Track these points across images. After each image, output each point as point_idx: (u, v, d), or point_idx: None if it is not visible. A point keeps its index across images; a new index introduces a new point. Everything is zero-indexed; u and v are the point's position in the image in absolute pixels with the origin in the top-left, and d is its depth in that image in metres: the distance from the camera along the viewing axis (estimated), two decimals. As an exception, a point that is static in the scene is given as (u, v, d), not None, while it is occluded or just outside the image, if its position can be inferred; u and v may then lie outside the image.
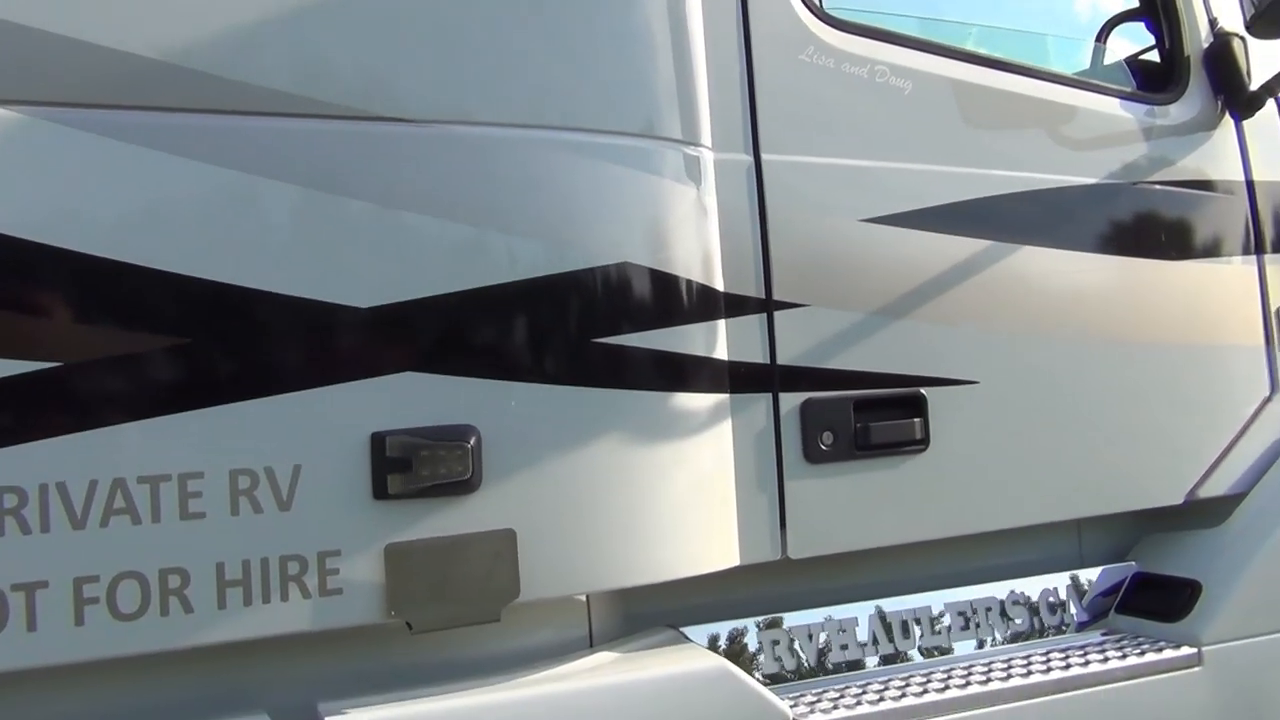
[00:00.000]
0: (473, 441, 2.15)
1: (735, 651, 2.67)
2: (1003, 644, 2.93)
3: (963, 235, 2.82)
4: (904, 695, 2.57)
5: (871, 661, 2.78)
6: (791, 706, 2.49)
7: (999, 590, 2.98)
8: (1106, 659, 2.79)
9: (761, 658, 2.68)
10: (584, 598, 2.54)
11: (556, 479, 2.25)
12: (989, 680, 2.65)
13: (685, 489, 2.41)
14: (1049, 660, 2.80)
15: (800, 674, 2.71)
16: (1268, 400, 3.26)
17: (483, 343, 2.22)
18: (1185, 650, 2.84)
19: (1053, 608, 3.02)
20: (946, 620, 2.88)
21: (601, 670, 2.35)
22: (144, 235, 1.98)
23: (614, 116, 2.41)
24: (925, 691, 2.59)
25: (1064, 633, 3.01)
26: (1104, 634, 3.04)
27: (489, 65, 2.28)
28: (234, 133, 2.04)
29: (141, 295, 1.98)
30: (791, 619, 2.73)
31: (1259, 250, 3.30)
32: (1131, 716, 2.76)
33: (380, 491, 2.10)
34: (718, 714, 2.33)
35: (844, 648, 2.76)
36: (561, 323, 2.29)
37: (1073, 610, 3.05)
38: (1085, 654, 2.84)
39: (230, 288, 2.02)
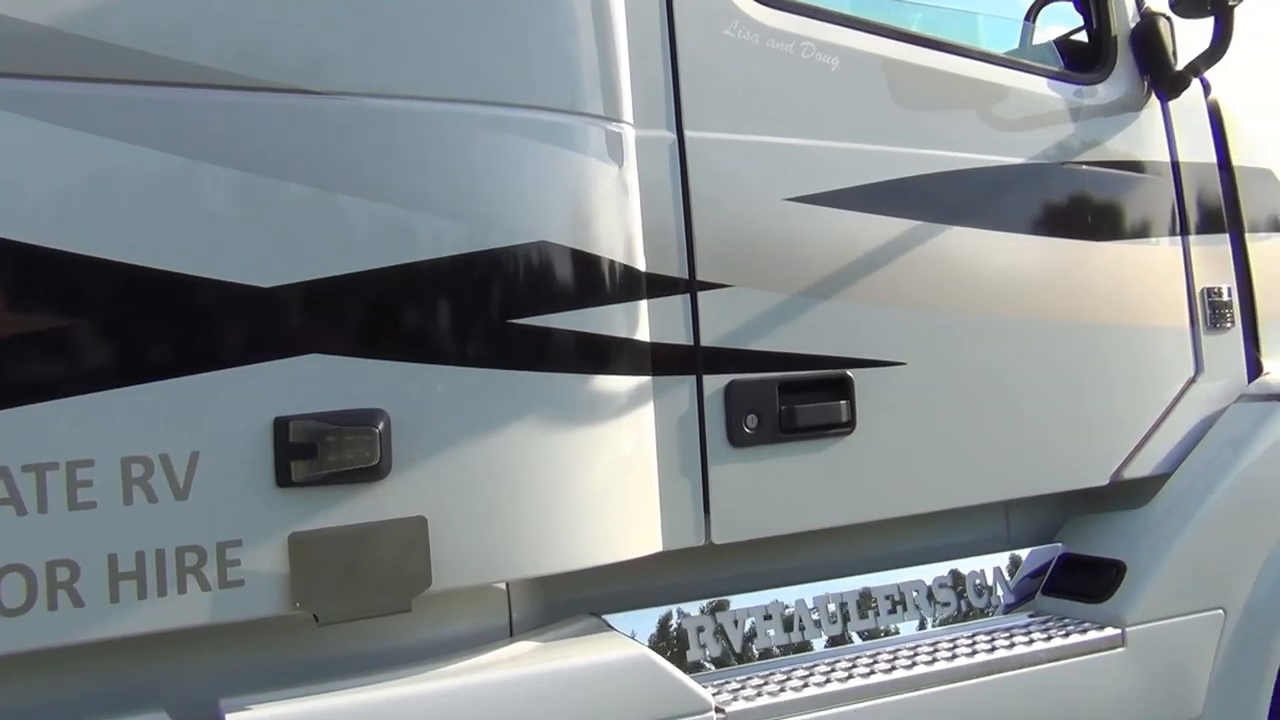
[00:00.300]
0: (381, 426, 2.07)
1: (660, 639, 2.62)
2: (931, 627, 2.91)
3: (889, 215, 2.78)
4: (829, 680, 2.54)
5: (797, 647, 2.74)
6: (715, 694, 2.45)
7: (927, 573, 2.95)
8: (1031, 641, 2.78)
9: (687, 645, 2.64)
10: (504, 586, 2.47)
11: (470, 464, 2.18)
12: (914, 664, 2.63)
13: (605, 474, 2.35)
14: (974, 643, 2.78)
15: (725, 660, 2.67)
16: (1192, 381, 3.27)
17: (393, 324, 2.14)
18: (1109, 631, 2.84)
19: (980, 590, 3.01)
20: (874, 604, 2.85)
21: (520, 660, 2.29)
22: (23, 210, 1.87)
23: (532, 91, 2.34)
24: (850, 677, 2.56)
25: (992, 615, 3.00)
26: (1030, 616, 3.03)
27: (399, 35, 2.19)
28: (118, 102, 1.94)
29: (24, 273, 1.87)
30: (716, 605, 2.69)
31: (1184, 232, 3.31)
32: (1056, 698, 2.75)
33: (283, 479, 2.01)
34: (638, 703, 2.28)
35: (770, 633, 2.73)
36: (476, 303, 2.22)
37: (1000, 592, 3.04)
38: (1010, 636, 2.83)
39: (121, 265, 1.92)
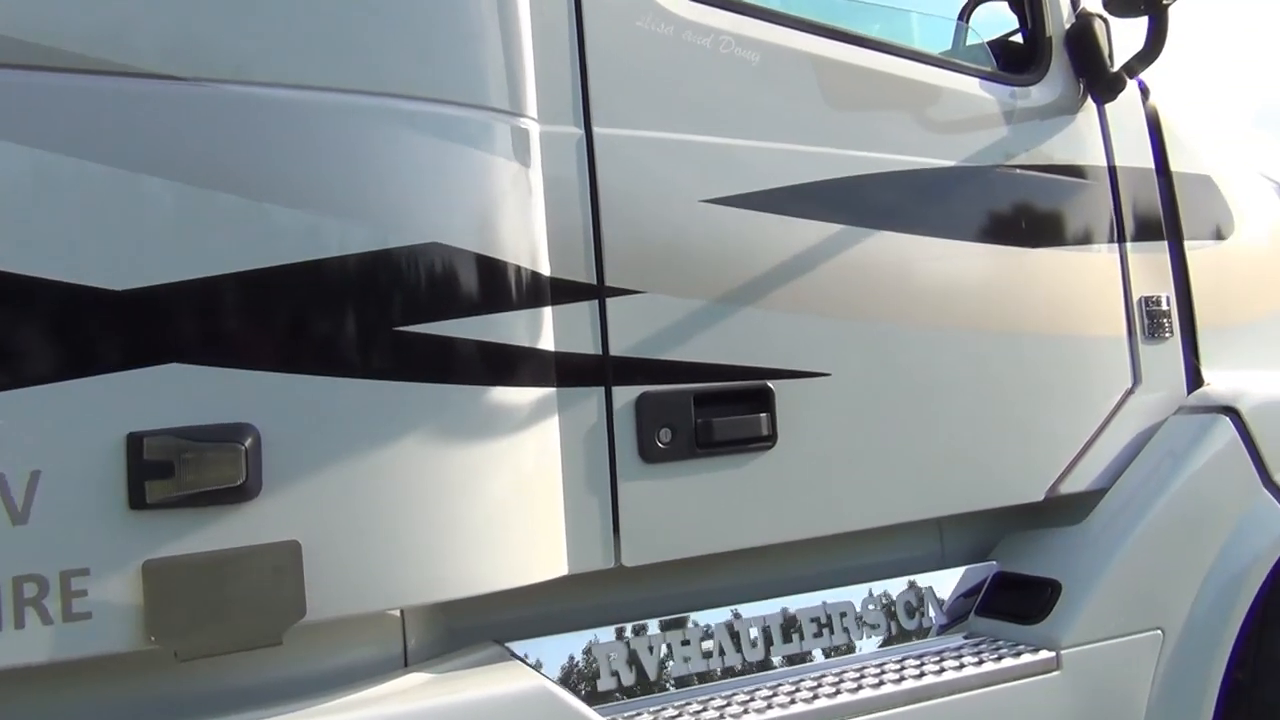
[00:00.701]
0: (249, 442, 1.90)
1: (569, 667, 2.46)
2: (860, 651, 2.77)
3: (813, 219, 2.65)
4: (746, 711, 2.39)
5: (716, 674, 2.59)
6: (624, 727, 2.29)
7: (855, 594, 2.81)
8: (962, 665, 2.65)
9: (598, 673, 2.47)
10: (398, 612, 2.30)
11: (351, 484, 2.01)
12: (839, 692, 2.49)
13: (503, 493, 2.19)
14: (903, 668, 2.65)
15: (640, 689, 2.51)
16: (1130, 392, 3.16)
17: (265, 331, 1.97)
18: (1043, 654, 2.71)
19: (911, 611, 2.87)
20: (799, 627, 2.70)
21: (409, 694, 2.12)
22: None
23: (426, 82, 2.18)
24: (769, 706, 2.41)
25: (924, 636, 2.87)
26: (964, 638, 2.90)
27: (279, 17, 2.03)
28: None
29: None
30: (631, 630, 2.53)
31: (1121, 239, 3.21)
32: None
33: (137, 501, 1.83)
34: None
35: (687, 660, 2.57)
36: (360, 309, 2.06)
37: (932, 613, 2.91)
38: (941, 660, 2.70)
39: (-49, 266, 1.74)
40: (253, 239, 1.96)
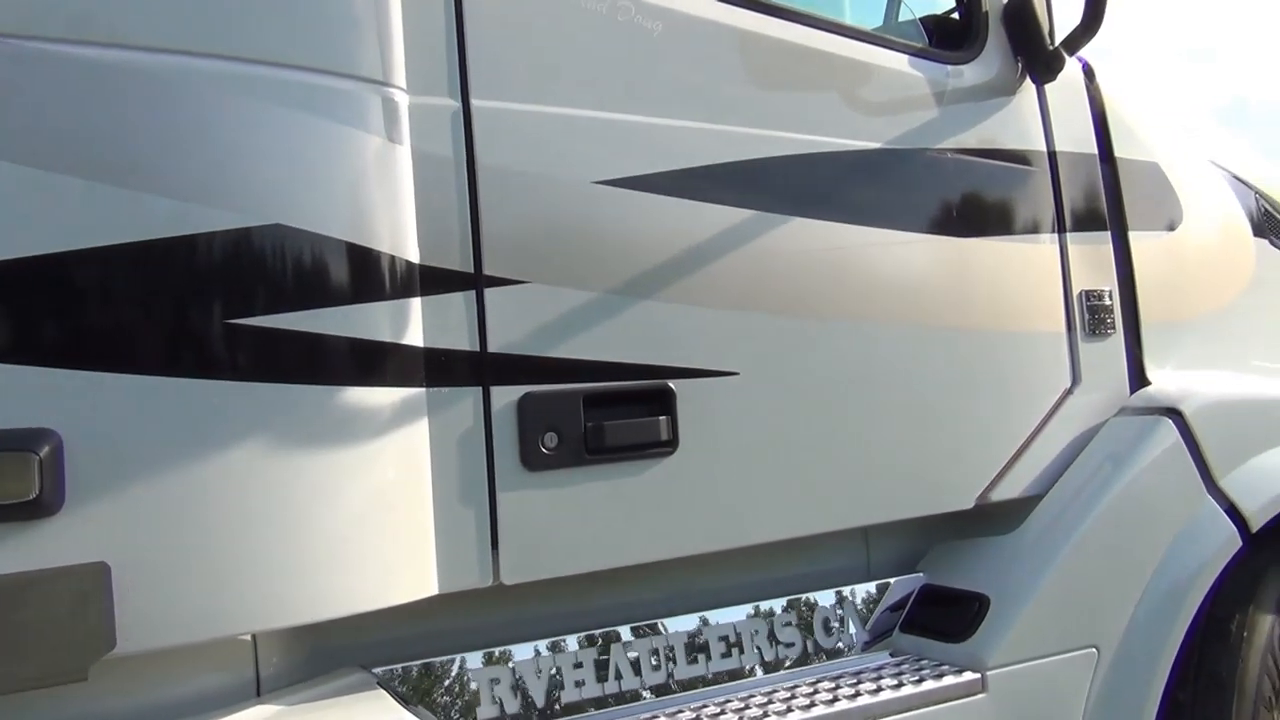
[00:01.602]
0: (45, 451, 1.66)
1: (444, 695, 2.23)
2: (772, 673, 2.56)
3: (721, 204, 2.43)
4: (637, 744, 2.17)
5: (610, 700, 2.37)
6: (496, 762, 2.07)
7: (769, 609, 2.60)
8: (879, 689, 2.45)
9: (478, 701, 2.25)
10: (249, 637, 2.07)
11: (172, 497, 1.78)
12: (741, 718, 2.27)
13: (358, 506, 1.96)
14: (816, 691, 2.44)
15: (524, 717, 2.29)
16: (1069, 393, 2.98)
17: (68, 323, 1.73)
18: (967, 676, 2.52)
19: (830, 627, 2.67)
20: (705, 646, 2.49)
21: (250, 731, 1.89)
22: None
23: (273, 44, 1.94)
24: (664, 737, 2.19)
25: (844, 655, 2.66)
26: (889, 656, 2.70)
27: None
28: None
29: None
30: (517, 653, 2.31)
31: (1061, 229, 3.01)
32: (906, 753, 2.41)
33: (-91, 518, 1.59)
34: (390, 781, 1.89)
35: (579, 684, 2.35)
36: (183, 298, 1.82)
37: (853, 629, 2.70)
38: (859, 682, 2.50)
39: None
40: (61, 218, 1.72)
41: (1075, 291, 3.01)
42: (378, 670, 2.19)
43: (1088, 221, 3.07)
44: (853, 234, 2.62)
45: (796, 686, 2.48)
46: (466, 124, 2.16)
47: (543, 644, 2.34)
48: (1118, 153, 3.19)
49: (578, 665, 2.37)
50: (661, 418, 2.31)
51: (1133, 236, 3.17)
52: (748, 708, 2.36)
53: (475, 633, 2.34)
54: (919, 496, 2.70)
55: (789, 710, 2.34)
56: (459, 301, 2.13)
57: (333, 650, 2.21)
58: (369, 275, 2.00)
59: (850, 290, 2.61)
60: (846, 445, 2.58)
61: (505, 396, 2.17)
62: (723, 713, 2.34)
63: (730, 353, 2.42)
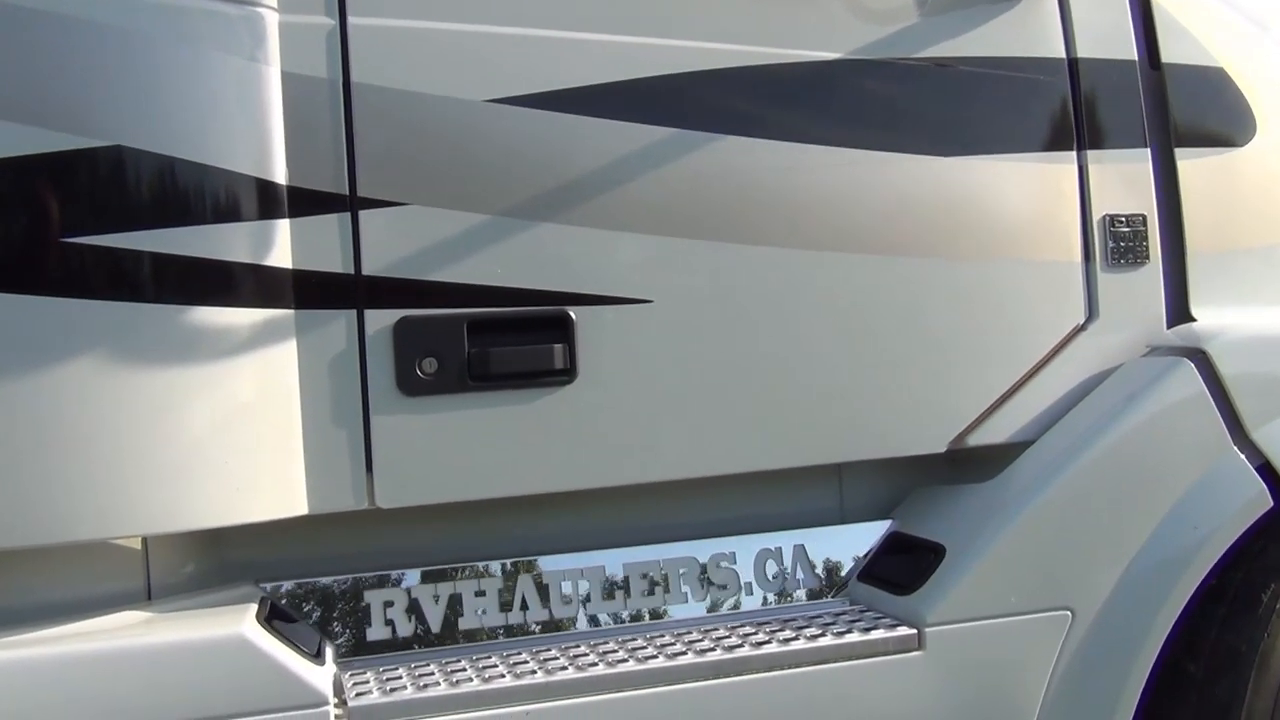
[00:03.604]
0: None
1: (338, 613, 2.27)
2: (699, 614, 2.46)
3: (638, 121, 2.30)
4: (509, 675, 2.13)
5: (511, 630, 2.35)
6: (361, 684, 2.09)
7: (702, 550, 2.50)
8: (796, 637, 2.30)
9: (368, 621, 2.28)
10: (139, 544, 2.16)
11: (11, 407, 1.86)
12: (628, 659, 2.19)
13: (205, 423, 2.00)
14: (727, 636, 2.32)
15: (421, 641, 2.30)
16: (1080, 329, 2.67)
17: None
18: (902, 631, 2.33)
19: (775, 572, 2.53)
20: (624, 584, 2.42)
21: (100, 635, 1.98)
22: None
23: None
24: (537, 671, 2.15)
25: (788, 601, 2.53)
26: (845, 604, 2.54)
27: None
28: None
29: None
30: (422, 576, 2.32)
31: (1079, 145, 2.68)
32: (824, 710, 2.26)
33: None
34: (229, 691, 1.94)
35: (481, 613, 2.34)
36: (20, 219, 1.89)
37: (801, 575, 2.56)
38: (780, 630, 2.35)
39: None
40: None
41: (1095, 215, 2.68)
42: (267, 585, 2.24)
43: (1117, 137, 2.72)
44: (800, 154, 2.43)
45: (714, 630, 2.37)
46: (343, 42, 2.12)
47: (449, 569, 2.33)
48: (1166, 57, 2.80)
49: (479, 594, 2.34)
50: (556, 346, 2.23)
51: (1180, 154, 2.79)
52: (650, 647, 2.27)
53: (385, 555, 2.35)
54: (873, 438, 2.50)
55: (683, 653, 2.23)
56: (333, 224, 2.12)
57: (233, 563, 2.28)
58: (222, 196, 2.02)
59: (796, 216, 2.43)
60: (782, 381, 2.41)
61: (380, 320, 2.15)
62: (619, 650, 2.26)
63: (642, 279, 2.30)
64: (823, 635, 2.31)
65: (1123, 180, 2.72)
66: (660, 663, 2.18)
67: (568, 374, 2.24)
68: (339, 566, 2.32)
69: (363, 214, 2.12)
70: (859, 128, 2.49)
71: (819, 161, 2.44)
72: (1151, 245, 2.73)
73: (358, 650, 2.26)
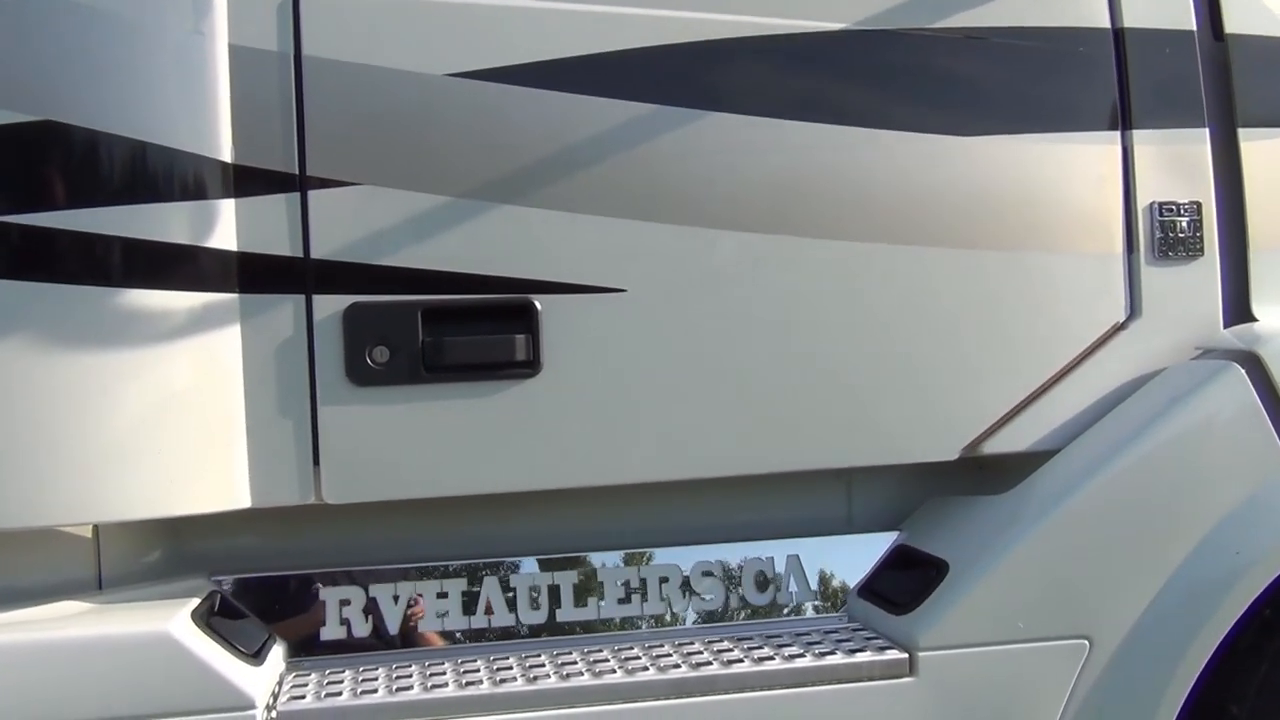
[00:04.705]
0: None
1: (294, 610, 2.19)
2: (676, 625, 2.31)
3: (611, 97, 2.15)
4: (453, 685, 2.01)
5: (488, 635, 2.23)
6: (299, 686, 2.00)
7: (686, 557, 2.34)
8: (783, 656, 2.13)
9: (323, 620, 2.19)
10: (89, 532, 2.11)
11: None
12: (581, 673, 2.05)
13: (136, 411, 1.94)
14: (702, 651, 2.16)
15: (378, 643, 2.20)
16: (1120, 327, 2.41)
17: None
18: (891, 655, 2.13)
19: (764, 584, 2.36)
20: (597, 589, 2.28)
21: (30, 625, 1.93)
22: None
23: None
24: (492, 681, 2.02)
25: (791, 614, 2.35)
26: (840, 621, 2.35)
27: None
28: None
29: None
30: (393, 575, 2.23)
31: (1124, 125, 2.42)
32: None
33: None
34: (152, 691, 1.87)
35: (442, 615, 2.22)
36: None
37: (794, 588, 2.37)
38: (764, 647, 2.18)
39: None
40: None
41: (1140, 203, 2.42)
42: (221, 578, 2.17)
43: (1169, 116, 2.45)
44: (798, 132, 2.24)
45: (686, 644, 2.21)
46: (295, 14, 2.02)
47: (410, 569, 2.22)
48: (1231, 27, 2.51)
49: (442, 595, 2.23)
50: (519, 336, 2.10)
51: (1245, 135, 2.50)
52: (615, 660, 2.12)
53: (364, 551, 2.27)
54: (874, 443, 2.30)
55: (645, 669, 2.07)
56: (280, 204, 2.02)
57: (190, 555, 2.21)
58: (160, 174, 1.94)
59: (794, 200, 2.25)
60: (773, 380, 2.23)
61: (330, 306, 2.05)
62: (584, 662, 2.12)
63: (615, 267, 2.15)
64: (803, 655, 2.12)
65: (1175, 164, 2.45)
66: (618, 678, 2.03)
67: (530, 366, 2.11)
68: (301, 561, 2.23)
69: (312, 194, 2.02)
70: (866, 104, 2.30)
71: (820, 141, 2.26)
72: (1208, 236, 2.45)
73: (312, 650, 2.17)
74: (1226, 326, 2.46)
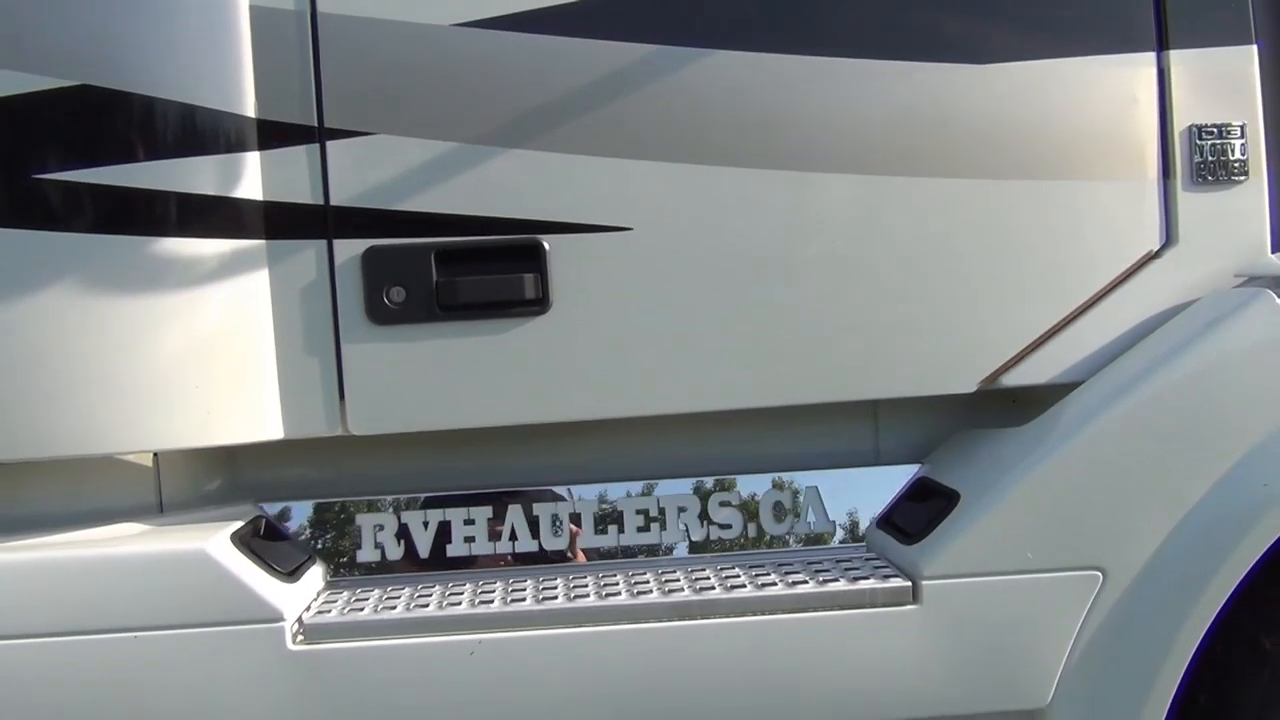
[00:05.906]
0: None
1: (330, 534, 2.36)
2: (695, 553, 2.39)
3: (616, 39, 2.21)
4: (466, 603, 2.15)
5: (509, 560, 2.36)
6: (328, 602, 2.17)
7: (704, 487, 2.41)
8: (786, 582, 2.18)
9: (359, 544, 2.35)
10: (150, 460, 2.33)
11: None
12: (604, 595, 2.15)
13: (175, 349, 2.11)
14: (709, 576, 2.23)
15: (409, 565, 2.36)
16: (1152, 256, 2.35)
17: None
18: (893, 583, 2.16)
19: (782, 514, 2.41)
20: (617, 518, 2.38)
21: (96, 543, 2.15)
22: None
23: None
24: (516, 599, 2.15)
25: (792, 545, 2.41)
26: (848, 553, 2.39)
27: None
28: None
29: None
30: (423, 502, 2.37)
31: (1161, 45, 2.34)
32: (799, 660, 2.14)
33: None
34: (188, 603, 2.06)
35: (469, 540, 2.36)
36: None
37: (812, 519, 2.42)
38: (772, 573, 2.24)
39: None
40: None
41: (1178, 125, 2.34)
42: (267, 505, 2.35)
43: (1211, 33, 2.35)
44: (806, 65, 2.25)
45: (698, 569, 2.29)
46: (310, -26, 2.14)
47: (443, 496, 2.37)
48: (1280, -69, 2.39)
49: (469, 521, 2.37)
50: (528, 275, 2.20)
51: (1297, 49, 2.38)
52: (626, 583, 2.22)
53: (405, 479, 2.42)
54: (891, 375, 2.31)
55: (648, 592, 2.17)
56: (301, 155, 2.16)
57: (245, 484, 2.40)
58: (190, 131, 2.10)
59: (802, 134, 2.27)
60: (782, 314, 2.27)
61: (349, 250, 2.19)
62: (597, 584, 2.22)
63: (621, 206, 2.22)
64: (806, 582, 2.17)
65: (1217, 83, 2.36)
66: (621, 600, 2.13)
67: (540, 304, 2.20)
68: (343, 490, 2.40)
69: (330, 144, 2.15)
70: (881, 34, 2.27)
71: (830, 72, 2.26)
72: (1254, 159, 2.35)
73: (351, 571, 2.33)
74: (1275, 252, 2.36)
